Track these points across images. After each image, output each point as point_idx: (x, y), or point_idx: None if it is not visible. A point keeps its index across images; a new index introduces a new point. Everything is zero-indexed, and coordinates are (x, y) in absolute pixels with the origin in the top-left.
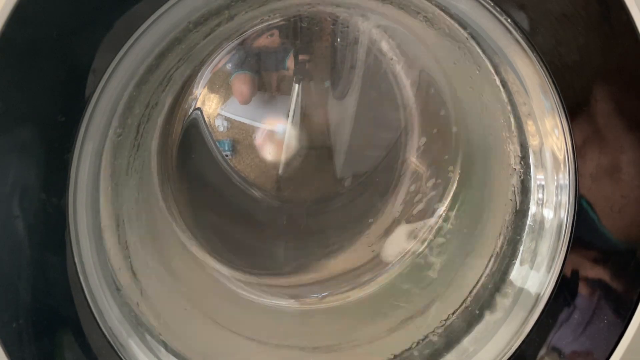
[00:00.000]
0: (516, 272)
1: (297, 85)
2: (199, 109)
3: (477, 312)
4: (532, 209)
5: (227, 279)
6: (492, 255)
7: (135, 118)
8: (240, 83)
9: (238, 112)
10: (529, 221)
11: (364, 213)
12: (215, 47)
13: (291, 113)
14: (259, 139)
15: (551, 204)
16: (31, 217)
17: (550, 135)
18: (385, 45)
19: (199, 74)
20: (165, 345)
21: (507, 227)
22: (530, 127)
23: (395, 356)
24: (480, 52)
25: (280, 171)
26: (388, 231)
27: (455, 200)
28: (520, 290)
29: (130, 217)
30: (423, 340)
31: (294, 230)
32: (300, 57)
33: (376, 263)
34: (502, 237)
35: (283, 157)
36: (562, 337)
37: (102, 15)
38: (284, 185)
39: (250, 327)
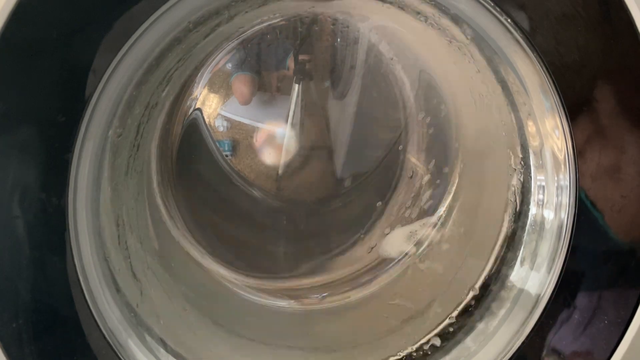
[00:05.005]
0: (516, 273)
1: (297, 86)
2: (198, 109)
3: (477, 312)
4: (533, 209)
5: (226, 280)
6: (491, 256)
7: (135, 118)
8: (241, 84)
9: (238, 112)
10: (529, 222)
11: (364, 213)
12: (215, 47)
13: (291, 113)
14: (259, 139)
15: (551, 204)
16: (31, 217)
17: (551, 135)
18: (385, 46)
19: (199, 74)
20: (164, 346)
21: (507, 228)
22: (530, 127)
23: (395, 356)
24: (480, 53)
25: (280, 171)
26: (388, 231)
27: (455, 200)
28: (521, 290)
29: (130, 218)
30: (423, 340)
31: (294, 231)
32: (300, 57)
33: (376, 263)
34: (502, 238)
35: (283, 158)
36: (562, 337)
37: (102, 15)
38: (284, 185)
39: (250, 327)
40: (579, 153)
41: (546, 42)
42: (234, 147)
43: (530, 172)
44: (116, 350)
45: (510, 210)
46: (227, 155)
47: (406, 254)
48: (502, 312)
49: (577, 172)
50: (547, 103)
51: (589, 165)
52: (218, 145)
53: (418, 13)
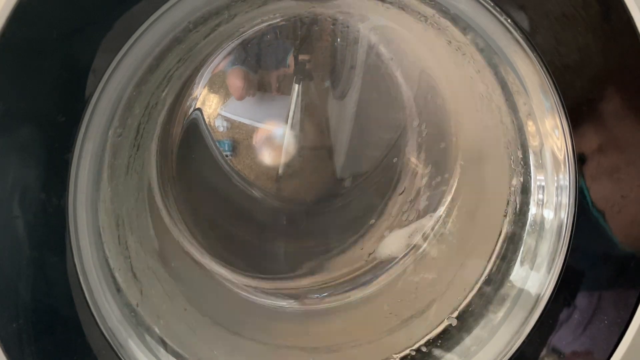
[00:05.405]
0: (516, 273)
1: (297, 86)
2: (199, 109)
3: (477, 312)
4: (532, 209)
5: (226, 280)
6: (492, 256)
7: (135, 118)
8: (234, 78)
9: (238, 112)
10: (529, 222)
11: (363, 213)
12: (215, 47)
13: (291, 113)
14: (258, 140)
15: (551, 204)
16: (31, 217)
17: (551, 135)
18: (385, 46)
19: (199, 74)
20: (165, 346)
21: (507, 228)
22: (530, 127)
23: (395, 357)
24: (480, 53)
25: (280, 171)
26: (388, 231)
27: (454, 200)
28: (521, 290)
29: (130, 217)
30: (423, 340)
31: (294, 231)
32: (300, 57)
33: (376, 263)
34: (502, 238)
35: (283, 158)
36: (562, 337)
37: (102, 15)
38: (284, 185)
39: (250, 327)
40: (578, 153)
41: (546, 42)
42: (234, 147)
43: (530, 172)
44: (116, 350)
45: (510, 210)
46: (227, 155)
47: (406, 254)
48: (502, 312)
49: (577, 172)
50: (547, 103)
51: (589, 165)
52: (218, 145)
53: (418, 13)
